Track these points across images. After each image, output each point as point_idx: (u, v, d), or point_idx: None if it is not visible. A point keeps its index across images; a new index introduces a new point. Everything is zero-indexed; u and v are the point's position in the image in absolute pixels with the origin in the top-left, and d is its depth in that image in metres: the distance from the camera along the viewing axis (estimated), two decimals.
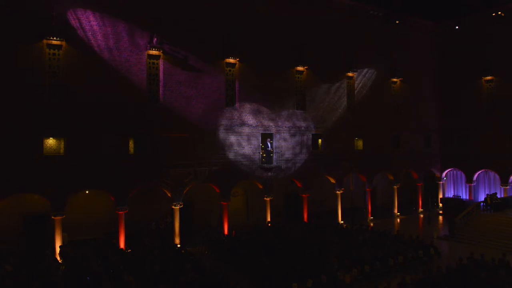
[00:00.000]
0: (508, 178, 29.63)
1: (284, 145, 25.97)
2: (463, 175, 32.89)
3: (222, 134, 23.76)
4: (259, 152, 25.00)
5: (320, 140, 27.83)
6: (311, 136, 27.16)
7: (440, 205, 32.88)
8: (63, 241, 19.51)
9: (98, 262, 17.00)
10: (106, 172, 20.28)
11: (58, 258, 18.39)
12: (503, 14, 29.91)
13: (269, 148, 25.17)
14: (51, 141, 19.61)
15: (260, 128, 25.15)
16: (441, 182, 34.03)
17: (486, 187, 32.12)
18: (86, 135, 19.88)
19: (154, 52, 21.61)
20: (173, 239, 21.97)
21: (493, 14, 30.29)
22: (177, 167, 22.18)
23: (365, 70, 29.86)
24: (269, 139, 25.30)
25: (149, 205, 23.41)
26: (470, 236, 23.80)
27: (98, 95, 20.19)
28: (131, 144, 21.44)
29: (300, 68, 26.60)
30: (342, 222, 27.72)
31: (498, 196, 28.41)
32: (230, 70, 24.30)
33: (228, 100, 24.21)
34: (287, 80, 26.20)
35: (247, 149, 24.60)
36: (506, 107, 29.88)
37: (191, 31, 22.74)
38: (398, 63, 31.23)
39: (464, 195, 33.06)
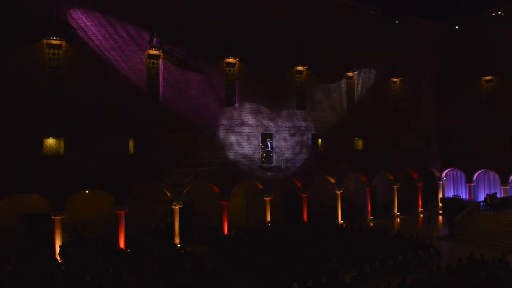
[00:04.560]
0: (508, 178, 29.62)
1: (284, 145, 25.97)
2: (463, 175, 32.89)
3: (222, 134, 23.76)
4: (259, 152, 25.00)
5: (320, 140, 27.83)
6: (311, 136, 27.16)
7: (440, 205, 32.87)
8: (63, 241, 19.52)
9: (98, 262, 17.00)
10: (106, 172, 20.27)
11: (58, 258, 18.39)
12: (503, 14, 29.91)
13: (269, 148, 25.17)
14: (51, 141, 19.61)
15: (260, 128, 25.15)
16: (441, 182, 34.04)
17: (486, 187, 32.12)
18: (86, 135, 19.87)
19: (154, 52, 21.61)
20: (173, 239, 21.97)
21: (493, 14, 30.28)
22: (177, 167, 22.18)
23: (365, 70, 29.86)
24: (269, 139, 25.30)
25: (149, 205, 23.41)
26: (470, 236, 23.81)
27: (98, 95, 20.19)
28: (131, 144, 21.44)
29: (300, 68, 26.60)
30: (342, 222, 27.73)
31: (498, 196, 28.39)
32: (230, 70, 24.30)
33: (228, 100, 24.21)
34: (287, 80, 26.20)
35: (247, 149, 24.60)
36: (506, 107, 29.88)
37: (191, 31, 22.74)
38: (398, 63, 31.23)
39: (464, 195, 33.07)
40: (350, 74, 29.03)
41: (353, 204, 31.03)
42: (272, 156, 25.34)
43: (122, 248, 20.16)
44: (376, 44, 30.31)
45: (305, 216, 26.72)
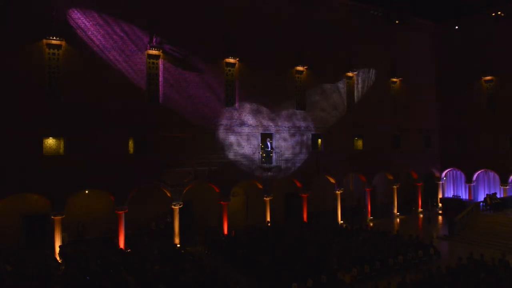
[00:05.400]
0: (508, 178, 29.62)
1: (283, 145, 25.98)
2: (463, 175, 32.89)
3: (222, 134, 23.76)
4: (259, 152, 25.00)
5: (320, 140, 27.83)
6: (311, 136, 27.16)
7: (440, 205, 32.88)
8: (63, 241, 19.52)
9: (98, 262, 17.00)
10: (106, 172, 20.27)
11: (58, 258, 18.40)
12: (503, 14, 29.91)
13: (269, 148, 25.17)
14: (51, 141, 19.62)
15: (260, 128, 25.15)
16: (441, 182, 34.04)
17: (485, 187, 32.13)
18: (86, 135, 19.87)
19: (154, 52, 21.61)
20: (173, 239, 21.97)
21: (493, 14, 30.29)
22: (177, 167, 22.18)
23: (365, 70, 29.86)
24: (268, 139, 25.29)
25: (149, 205, 23.42)
26: (470, 236, 23.81)
27: (98, 95, 20.19)
28: (131, 144, 21.44)
29: (300, 68, 26.60)
30: (342, 222, 27.73)
31: (498, 196, 28.41)
32: (230, 70, 24.30)
33: (228, 100, 24.21)
34: (287, 80, 26.20)
35: (247, 149, 24.60)
36: (506, 107, 29.88)
37: (191, 31, 22.74)
38: (398, 63, 31.23)
39: (464, 195, 33.07)
40: (350, 74, 29.02)
41: (354, 203, 31.08)
42: (272, 156, 25.33)
43: (122, 248, 20.16)
44: (376, 44, 30.29)
45: (305, 216, 26.72)
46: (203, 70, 23.13)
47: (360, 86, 29.60)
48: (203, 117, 23.11)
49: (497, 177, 30.77)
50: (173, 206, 22.24)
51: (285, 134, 26.07)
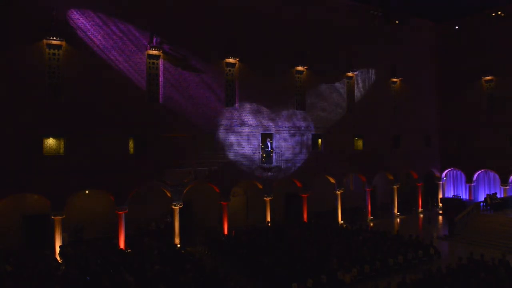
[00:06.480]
0: (508, 178, 29.62)
1: (284, 145, 25.98)
2: (463, 175, 32.89)
3: (222, 134, 23.76)
4: (259, 152, 25.00)
5: (320, 140, 27.83)
6: (311, 136, 27.16)
7: (440, 205, 32.87)
8: (63, 241, 19.52)
9: (98, 262, 17.00)
10: (106, 172, 20.26)
11: (58, 258, 18.39)
12: (503, 14, 29.92)
13: (269, 148, 25.16)
14: (51, 141, 19.61)
15: (260, 128, 25.15)
16: (441, 182, 34.04)
17: (486, 187, 32.13)
18: (86, 135, 19.87)
19: (154, 52, 21.61)
20: (173, 239, 21.97)
21: (493, 14, 30.30)
22: (177, 167, 22.18)
23: (365, 70, 29.86)
24: (269, 139, 25.29)
25: (149, 205, 23.42)
26: (470, 236, 23.81)
27: (98, 95, 20.19)
28: (131, 144, 21.43)
29: (300, 68, 26.60)
30: (342, 222, 27.73)
31: (498, 196, 28.40)
32: (230, 70, 24.30)
33: (228, 100, 24.21)
34: (287, 80, 26.20)
35: (247, 149, 24.60)
36: (506, 107, 29.89)
37: (191, 31, 22.74)
38: (398, 63, 31.23)
39: (464, 195, 33.07)
40: (350, 74, 29.02)
41: (353, 204, 31.10)
42: (272, 156, 25.33)
43: (122, 248, 20.16)
44: (376, 44, 30.29)
45: (305, 216, 26.72)
46: (203, 70, 23.13)
47: (360, 86, 29.60)
48: (203, 117, 23.11)
49: (497, 177, 30.77)
50: (173, 206, 22.23)
51: (285, 134, 26.07)
